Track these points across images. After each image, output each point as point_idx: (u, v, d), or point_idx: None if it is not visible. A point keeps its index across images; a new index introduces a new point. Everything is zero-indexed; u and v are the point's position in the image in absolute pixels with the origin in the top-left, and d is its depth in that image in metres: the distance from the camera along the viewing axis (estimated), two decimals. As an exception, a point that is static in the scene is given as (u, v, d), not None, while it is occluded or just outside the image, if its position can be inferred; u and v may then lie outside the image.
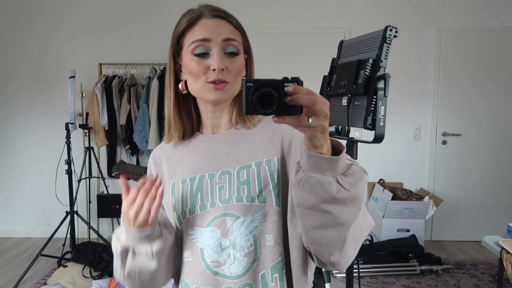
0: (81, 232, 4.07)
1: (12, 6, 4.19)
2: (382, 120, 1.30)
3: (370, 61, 1.32)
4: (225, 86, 0.85)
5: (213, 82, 0.84)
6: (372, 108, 1.31)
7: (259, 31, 4.01)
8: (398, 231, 3.63)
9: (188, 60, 0.86)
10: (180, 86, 0.92)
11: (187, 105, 0.95)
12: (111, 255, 3.25)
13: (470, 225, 4.20)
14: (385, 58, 1.31)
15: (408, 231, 3.63)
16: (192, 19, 0.86)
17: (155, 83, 3.85)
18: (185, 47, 0.87)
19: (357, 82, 1.36)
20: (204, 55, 0.85)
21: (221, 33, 0.85)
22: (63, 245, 3.52)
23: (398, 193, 3.78)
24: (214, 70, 0.84)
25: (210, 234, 0.87)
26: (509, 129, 4.11)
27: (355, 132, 3.87)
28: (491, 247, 2.38)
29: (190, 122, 0.96)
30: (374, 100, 1.30)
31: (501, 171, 4.15)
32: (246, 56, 0.92)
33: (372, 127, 1.31)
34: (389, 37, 1.30)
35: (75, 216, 3.48)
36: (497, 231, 3.69)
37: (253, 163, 0.88)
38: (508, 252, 2.21)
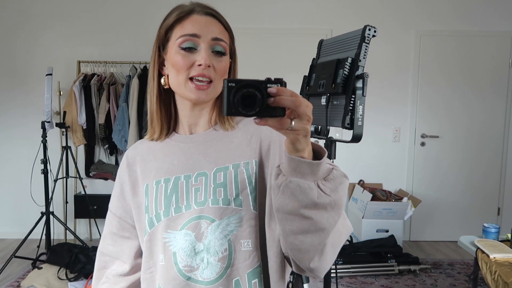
0: (57, 233, 3.98)
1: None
2: (360, 119, 1.30)
3: (349, 60, 1.33)
4: (207, 87, 0.84)
5: (196, 80, 0.83)
6: (351, 108, 1.31)
7: (242, 31, 3.99)
8: (377, 231, 3.66)
9: (173, 53, 0.85)
10: (162, 80, 0.90)
11: (167, 101, 0.93)
12: (87, 256, 3.19)
13: (447, 225, 4.27)
14: (364, 58, 1.31)
15: (387, 231, 3.66)
16: (183, 13, 0.85)
17: (135, 82, 3.80)
18: (172, 40, 0.86)
19: (336, 81, 1.36)
20: (191, 49, 0.83)
21: (211, 31, 0.84)
22: (38, 246, 3.43)
23: (378, 193, 3.81)
24: (199, 65, 0.82)
25: (184, 237, 0.85)
26: (485, 131, 4.21)
27: (336, 133, 3.89)
28: (466, 247, 2.42)
29: (167, 119, 0.94)
30: (352, 99, 1.31)
31: (477, 172, 4.24)
32: (230, 60, 0.91)
33: (350, 126, 1.32)
34: (368, 37, 1.30)
35: (51, 216, 3.40)
36: (473, 231, 3.77)
37: (231, 165, 0.87)
38: (483, 252, 2.25)
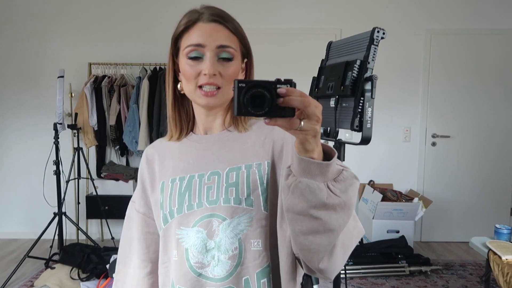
0: (70, 233, 4.03)
1: (0, 5, 4.13)
2: (369, 121, 1.30)
3: (358, 62, 1.32)
4: (216, 93, 0.86)
5: (204, 88, 0.85)
6: (360, 110, 1.31)
7: (251, 32, 3.98)
8: (388, 232, 3.64)
9: (183, 63, 0.87)
10: (178, 86, 0.93)
11: (185, 104, 0.96)
12: (99, 256, 3.23)
13: (459, 226, 4.23)
14: (373, 60, 1.31)
15: (397, 232, 3.64)
16: (190, 22, 0.87)
17: (145, 84, 3.83)
18: (181, 48, 0.88)
19: (344, 83, 1.36)
20: (197, 58, 0.85)
21: (216, 39, 0.85)
22: (51, 246, 3.48)
23: (388, 194, 3.79)
24: (205, 74, 0.84)
25: (196, 234, 0.87)
26: (496, 131, 4.16)
27: (345, 134, 3.88)
28: (478, 248, 2.40)
29: (186, 121, 0.97)
30: (361, 101, 1.30)
31: (489, 172, 4.19)
32: (246, 60, 0.93)
33: (359, 128, 1.31)
34: (377, 39, 1.30)
35: (63, 217, 3.44)
36: (485, 232, 3.73)
37: (243, 165, 0.88)
38: (495, 253, 2.23)
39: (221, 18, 0.87)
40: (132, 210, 1.01)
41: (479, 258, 3.70)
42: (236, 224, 0.85)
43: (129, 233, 1.00)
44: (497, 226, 2.47)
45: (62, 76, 3.39)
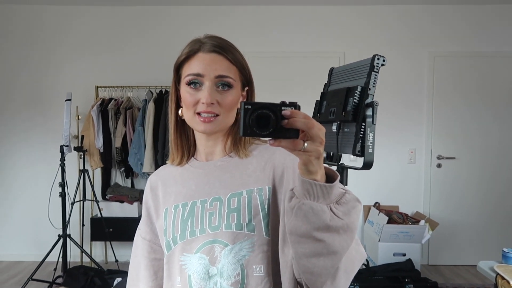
0: (74, 255, 4.02)
1: (9, 28, 4.24)
2: (370, 147, 1.31)
3: (359, 88, 1.34)
4: (213, 120, 0.87)
5: (201, 114, 0.87)
6: (361, 135, 1.32)
7: (254, 55, 4.06)
8: (394, 255, 3.59)
9: (183, 90, 0.90)
10: (180, 111, 0.95)
11: (186, 130, 0.98)
12: (103, 279, 3.21)
13: (466, 249, 4.16)
14: (373, 86, 1.33)
15: (404, 255, 3.59)
16: (191, 52, 0.89)
17: (151, 106, 3.88)
18: (182, 77, 0.90)
19: (346, 109, 1.37)
20: (196, 85, 0.87)
21: (214, 70, 0.87)
22: (55, 269, 3.46)
23: (394, 216, 3.76)
24: (203, 103, 0.86)
25: (198, 261, 0.87)
26: (503, 152, 4.13)
27: (349, 157, 3.88)
28: (486, 272, 2.35)
29: (187, 146, 0.98)
30: (363, 127, 1.32)
31: (496, 194, 4.15)
32: (247, 88, 0.94)
33: (361, 154, 1.32)
34: (377, 66, 1.32)
35: (68, 239, 3.44)
36: (493, 255, 3.66)
37: (244, 191, 0.89)
38: (503, 278, 2.18)
39: (221, 48, 0.89)
40: (138, 237, 1.02)
41: (488, 282, 3.63)
42: (238, 250, 0.85)
43: (136, 260, 1.01)
44: (505, 250, 2.42)
45: (70, 100, 3.44)
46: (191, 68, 0.88)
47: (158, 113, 3.89)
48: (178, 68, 0.93)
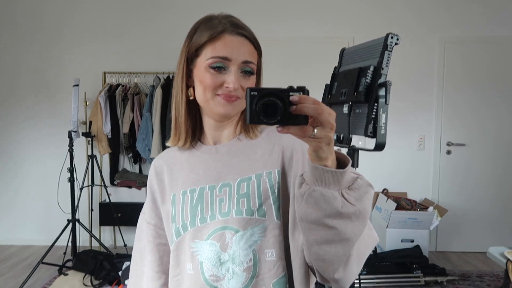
0: (83, 240, 4.06)
1: (16, 15, 4.23)
2: (383, 128, 1.28)
3: (371, 68, 1.31)
4: (236, 100, 0.85)
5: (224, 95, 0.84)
6: (373, 116, 1.29)
7: (264, 39, 4.00)
8: (402, 241, 3.59)
9: (203, 71, 0.85)
10: (189, 91, 0.91)
11: (193, 111, 0.94)
12: (112, 263, 3.24)
13: (476, 235, 4.14)
14: (386, 66, 1.30)
15: (412, 241, 3.58)
16: (215, 33, 0.84)
17: (158, 92, 3.86)
18: (202, 57, 0.86)
19: (358, 89, 1.35)
20: (220, 69, 0.84)
21: (242, 54, 0.84)
22: (64, 253, 3.51)
23: (402, 203, 3.74)
24: (227, 87, 0.83)
25: (210, 247, 0.86)
26: (514, 139, 4.08)
27: (359, 141, 3.85)
28: (496, 258, 2.34)
29: (193, 128, 0.95)
30: (375, 107, 1.29)
31: (506, 181, 4.11)
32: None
33: (373, 135, 1.30)
34: (390, 45, 1.29)
35: (77, 224, 3.47)
36: (503, 241, 3.64)
37: (253, 175, 0.87)
38: (513, 264, 2.17)
39: (246, 32, 0.87)
40: (143, 221, 0.99)
41: (497, 269, 3.62)
42: (249, 236, 0.84)
43: (140, 245, 0.99)
44: (516, 235, 2.41)
45: (77, 85, 3.44)
46: (217, 51, 0.84)
47: (165, 99, 3.87)
48: (197, 48, 0.87)
